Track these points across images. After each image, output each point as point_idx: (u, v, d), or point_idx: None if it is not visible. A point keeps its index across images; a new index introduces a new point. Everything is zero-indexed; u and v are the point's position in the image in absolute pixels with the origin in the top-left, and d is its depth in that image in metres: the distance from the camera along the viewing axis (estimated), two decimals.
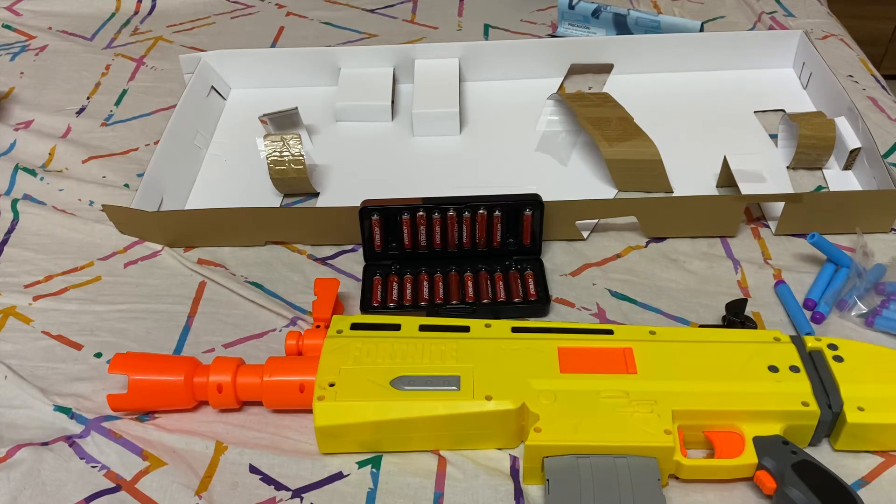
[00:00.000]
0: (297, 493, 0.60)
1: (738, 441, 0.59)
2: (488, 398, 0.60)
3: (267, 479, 0.61)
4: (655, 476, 0.57)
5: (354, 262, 0.79)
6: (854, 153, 0.86)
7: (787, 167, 0.88)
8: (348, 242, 0.81)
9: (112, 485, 0.60)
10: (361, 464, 0.61)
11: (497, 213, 0.74)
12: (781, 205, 0.78)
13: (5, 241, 0.83)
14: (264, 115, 0.92)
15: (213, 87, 1.01)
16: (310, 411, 0.60)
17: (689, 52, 1.02)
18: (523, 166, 0.90)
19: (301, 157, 0.83)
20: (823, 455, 0.61)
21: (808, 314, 0.72)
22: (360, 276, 0.77)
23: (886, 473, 0.60)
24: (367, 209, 0.74)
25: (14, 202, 0.87)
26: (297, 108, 0.92)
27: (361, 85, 1.00)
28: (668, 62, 1.02)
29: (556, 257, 0.79)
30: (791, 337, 0.64)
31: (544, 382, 0.61)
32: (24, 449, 0.62)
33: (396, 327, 0.66)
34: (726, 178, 0.84)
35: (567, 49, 1.02)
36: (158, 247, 0.81)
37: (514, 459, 0.62)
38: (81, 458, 0.62)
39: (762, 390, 0.60)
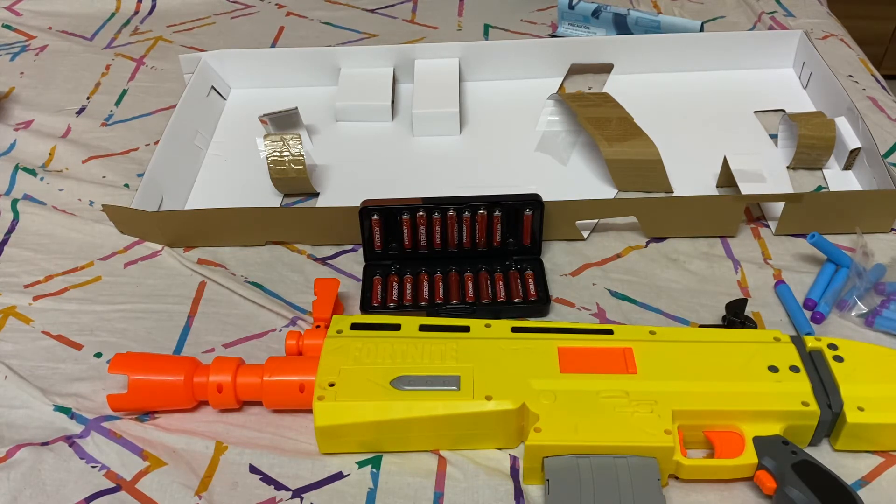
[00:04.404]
0: (297, 493, 0.60)
1: (738, 441, 0.59)
2: (488, 398, 0.60)
3: (267, 479, 0.61)
4: (655, 476, 0.57)
5: (354, 262, 0.79)
6: (854, 153, 0.86)
7: (787, 167, 0.88)
8: (348, 242, 0.81)
9: (112, 485, 0.60)
10: (361, 464, 0.61)
11: (497, 213, 0.74)
12: (781, 205, 0.78)
13: (5, 241, 0.83)
14: (264, 115, 0.92)
15: (213, 87, 1.01)
16: (310, 411, 0.60)
17: (689, 52, 1.02)
18: (523, 166, 0.90)
19: (301, 157, 0.83)
20: (823, 455, 0.61)
21: (808, 314, 0.72)
22: (360, 276, 0.77)
23: (886, 473, 0.60)
24: (367, 209, 0.74)
25: (14, 202, 0.87)
26: (297, 108, 0.92)
27: (361, 85, 1.00)
28: (668, 62, 1.02)
29: (556, 257, 0.79)
30: (791, 337, 0.64)
31: (544, 382, 0.61)
32: (24, 449, 0.62)
33: (396, 327, 0.66)
34: (726, 178, 0.84)
35: (567, 49, 1.02)
36: (158, 247, 0.81)
37: (514, 459, 0.62)
38: (81, 458, 0.62)
39: (762, 390, 0.60)
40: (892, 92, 1.02)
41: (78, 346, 0.72)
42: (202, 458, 0.62)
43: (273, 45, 1.15)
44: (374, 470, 0.61)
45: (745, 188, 0.79)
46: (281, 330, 0.72)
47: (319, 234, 0.81)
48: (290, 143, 0.83)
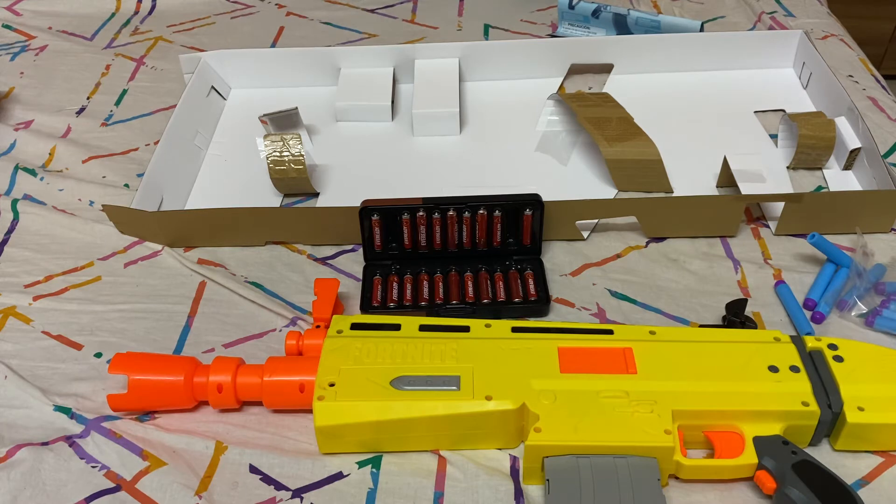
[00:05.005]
0: (297, 493, 0.60)
1: (738, 441, 0.59)
2: (488, 398, 0.60)
3: (267, 479, 0.61)
4: (655, 476, 0.57)
5: (354, 262, 0.79)
6: (854, 153, 0.86)
7: (787, 167, 0.88)
8: (348, 242, 0.81)
9: (112, 485, 0.60)
10: (361, 464, 0.61)
11: (497, 213, 0.74)
12: (781, 205, 0.78)
13: (5, 241, 0.83)
14: (264, 115, 0.92)
15: (213, 87, 1.01)
16: (310, 411, 0.61)
17: (689, 52, 1.02)
18: (523, 166, 0.90)
19: (301, 157, 0.83)
20: (823, 455, 0.61)
21: (808, 314, 0.72)
22: (360, 276, 0.77)
23: (886, 473, 0.60)
24: (367, 209, 0.74)
25: (14, 202, 0.87)
26: (297, 108, 0.92)
27: (361, 85, 1.00)
28: (668, 62, 1.02)
29: (556, 257, 0.79)
30: (791, 337, 0.64)
31: (544, 382, 0.61)
32: (24, 449, 0.62)
33: (396, 327, 0.66)
34: (726, 178, 0.84)
35: (567, 49, 1.02)
36: (158, 247, 0.81)
37: (514, 459, 0.62)
38: (81, 458, 0.62)
39: (762, 390, 0.60)
40: (892, 92, 1.02)
41: (78, 346, 0.72)
42: (202, 458, 0.62)
43: (273, 45, 1.15)
44: (374, 470, 0.61)
45: (745, 188, 0.79)
46: (281, 330, 0.72)
47: (319, 234, 0.81)
48: (290, 143, 0.83)
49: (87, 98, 1.05)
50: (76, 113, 1.02)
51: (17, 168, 0.92)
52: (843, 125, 0.87)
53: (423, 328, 0.66)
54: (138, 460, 0.61)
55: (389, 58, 1.02)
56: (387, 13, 1.22)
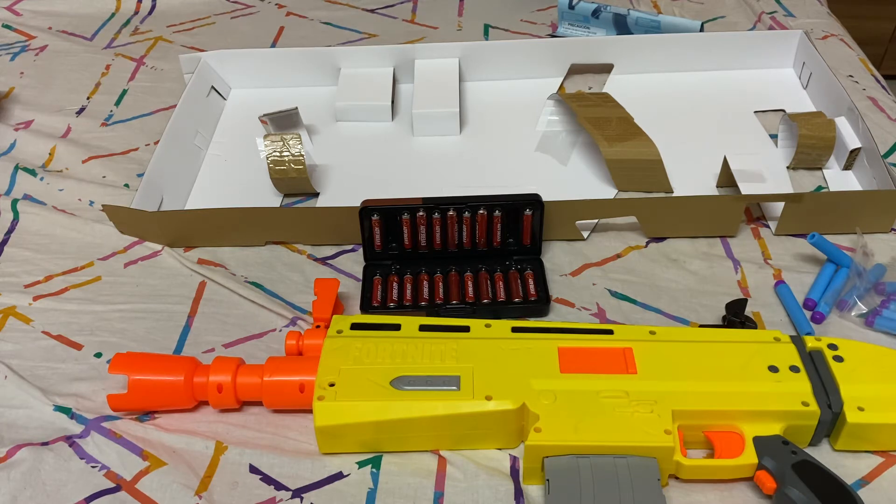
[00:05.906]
0: (297, 493, 0.60)
1: (738, 441, 0.59)
2: (488, 398, 0.60)
3: (267, 479, 0.61)
4: (655, 476, 0.57)
5: (354, 262, 0.79)
6: (854, 153, 0.86)
7: (787, 167, 0.88)
8: (348, 242, 0.81)
9: (112, 485, 0.60)
10: (361, 464, 0.61)
11: (497, 213, 0.74)
12: (781, 205, 0.78)
13: (5, 241, 0.83)
14: (264, 115, 0.92)
15: (213, 87, 1.01)
16: (310, 411, 0.61)
17: (689, 52, 1.02)
18: (523, 166, 0.90)
19: (301, 157, 0.83)
20: (823, 455, 0.61)
21: (808, 314, 0.72)
22: (360, 276, 0.77)
23: (886, 473, 0.60)
24: (367, 209, 0.74)
25: (14, 202, 0.87)
26: (297, 108, 0.92)
27: (361, 85, 1.00)
28: (668, 62, 1.02)
29: (556, 257, 0.79)
30: (791, 337, 0.64)
31: (544, 382, 0.61)
32: (24, 449, 0.62)
33: (396, 327, 0.66)
34: (726, 178, 0.84)
35: (567, 49, 1.02)
36: (158, 247, 0.81)
37: (514, 459, 0.62)
38: (81, 458, 0.62)
39: (762, 390, 0.60)
40: (892, 92, 1.02)
41: (78, 346, 0.72)
42: (202, 458, 0.62)
43: (273, 45, 1.15)
44: (374, 470, 0.61)
45: (745, 188, 0.79)
46: (281, 330, 0.72)
47: (319, 234, 0.81)
48: (290, 143, 0.83)
49: (87, 98, 1.05)
50: (76, 113, 1.02)
51: (17, 168, 0.92)
52: (843, 125, 0.87)
53: (423, 328, 0.66)
54: (138, 460, 0.61)
55: (389, 58, 1.02)
56: (387, 13, 1.22)
